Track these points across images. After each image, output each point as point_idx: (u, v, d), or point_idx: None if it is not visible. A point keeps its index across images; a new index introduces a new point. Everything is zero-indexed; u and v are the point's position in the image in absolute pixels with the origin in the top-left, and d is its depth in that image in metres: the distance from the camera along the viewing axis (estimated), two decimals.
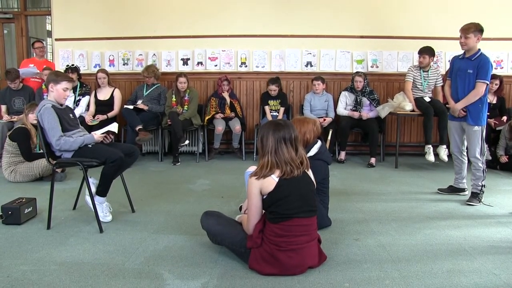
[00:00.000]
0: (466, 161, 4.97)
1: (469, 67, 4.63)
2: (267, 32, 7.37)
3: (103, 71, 6.91)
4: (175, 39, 7.42)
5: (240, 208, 3.87)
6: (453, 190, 5.05)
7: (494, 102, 6.73)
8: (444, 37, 7.22)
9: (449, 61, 7.00)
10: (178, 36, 7.40)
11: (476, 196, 4.70)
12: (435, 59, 6.83)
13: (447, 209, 4.51)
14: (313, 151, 3.80)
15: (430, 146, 6.23)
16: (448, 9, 7.27)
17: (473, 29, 4.56)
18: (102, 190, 3.93)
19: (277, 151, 2.83)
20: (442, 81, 6.64)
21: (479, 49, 4.64)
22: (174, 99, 6.86)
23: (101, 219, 3.81)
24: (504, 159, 6.37)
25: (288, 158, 2.83)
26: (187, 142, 6.69)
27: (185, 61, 7.48)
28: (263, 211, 2.93)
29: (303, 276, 2.88)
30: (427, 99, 6.54)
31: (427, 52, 6.48)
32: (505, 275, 2.96)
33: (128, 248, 3.36)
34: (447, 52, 7.32)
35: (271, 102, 7.09)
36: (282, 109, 7.08)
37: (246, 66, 7.50)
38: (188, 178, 5.66)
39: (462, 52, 4.78)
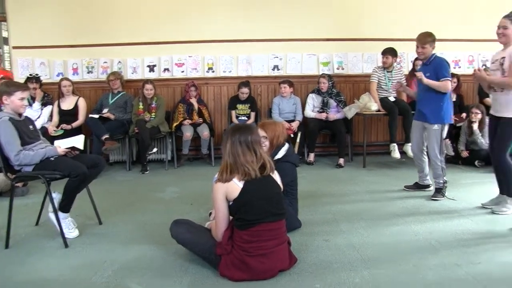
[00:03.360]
0: (427, 159, 5.11)
1: (427, 71, 4.80)
2: (233, 37, 7.36)
3: (67, 79, 6.77)
4: (140, 45, 7.33)
5: (210, 214, 3.87)
6: (419, 186, 5.18)
7: (454, 99, 6.88)
8: (406, 38, 7.31)
9: (411, 61, 7.17)
10: (144, 42, 7.32)
11: (440, 191, 4.84)
12: (398, 59, 6.95)
13: (413, 205, 4.61)
14: (281, 153, 3.84)
15: (394, 144, 6.35)
16: (410, 12, 7.41)
17: (429, 39, 4.79)
18: (65, 205, 3.77)
19: (234, 154, 2.85)
20: (405, 81, 6.78)
21: (433, 54, 4.85)
22: (141, 106, 6.79)
23: (66, 235, 3.65)
24: (465, 154, 6.56)
25: (243, 161, 2.84)
26: (155, 150, 6.64)
27: (151, 68, 7.42)
28: (231, 217, 2.94)
29: (274, 280, 2.90)
30: (392, 98, 6.67)
31: (390, 52, 6.62)
32: (467, 266, 3.07)
33: (95, 261, 3.29)
34: (410, 53, 7.46)
35: (240, 107, 7.10)
36: (253, 114, 7.10)
37: (213, 71, 7.49)
38: (157, 186, 5.61)
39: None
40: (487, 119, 6.26)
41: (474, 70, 4.26)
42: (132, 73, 7.40)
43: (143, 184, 5.87)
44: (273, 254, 2.89)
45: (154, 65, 7.42)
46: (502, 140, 4.21)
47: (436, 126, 4.79)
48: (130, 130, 6.70)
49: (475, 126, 6.43)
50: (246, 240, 2.84)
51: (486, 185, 5.16)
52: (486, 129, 6.24)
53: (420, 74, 4.74)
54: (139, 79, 7.27)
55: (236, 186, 2.83)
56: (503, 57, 4.11)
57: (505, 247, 3.42)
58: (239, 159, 2.84)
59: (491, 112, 4.39)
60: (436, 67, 4.74)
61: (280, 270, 2.96)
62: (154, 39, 7.31)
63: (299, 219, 3.98)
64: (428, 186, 5.15)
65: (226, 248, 2.88)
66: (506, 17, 4.12)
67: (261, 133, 3.73)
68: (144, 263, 3.25)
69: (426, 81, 4.74)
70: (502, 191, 4.44)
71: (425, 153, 5.09)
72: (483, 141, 6.34)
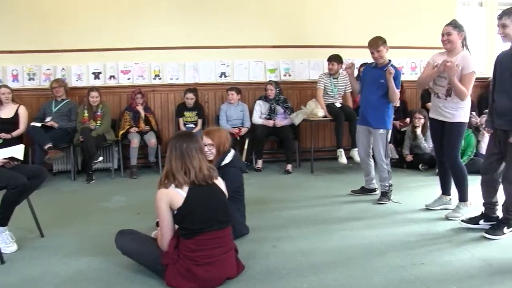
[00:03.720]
0: (373, 163, 5.22)
1: (382, 77, 4.86)
2: (180, 44, 7.29)
3: (6, 86, 6.49)
4: (85, 52, 7.12)
5: (157, 224, 3.80)
6: (365, 190, 5.28)
7: (398, 105, 7.07)
8: (351, 45, 7.51)
9: (357, 68, 7.30)
10: (89, 49, 7.11)
11: (385, 195, 4.95)
12: (343, 66, 7.08)
13: (360, 209, 4.70)
14: (228, 159, 3.83)
15: (341, 149, 6.44)
16: (354, 20, 7.59)
17: (381, 42, 4.87)
18: (2, 219, 3.57)
19: (176, 160, 2.83)
20: (351, 87, 6.90)
21: (389, 60, 4.95)
22: (86, 114, 6.61)
23: (2, 250, 3.43)
24: (409, 158, 6.75)
25: (185, 168, 2.82)
26: (100, 158, 6.46)
27: (97, 75, 7.24)
28: (176, 226, 2.90)
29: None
30: (338, 104, 6.78)
31: (335, 59, 6.74)
32: (411, 267, 3.15)
33: (35, 276, 3.14)
34: (355, 59, 7.59)
35: (187, 114, 7.04)
36: (200, 121, 7.05)
37: (160, 78, 7.39)
38: (103, 196, 5.47)
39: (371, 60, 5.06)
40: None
41: (446, 64, 4.16)
42: (77, 80, 7.19)
43: (89, 193, 5.71)
44: (219, 262, 2.86)
45: (100, 72, 7.24)
46: (451, 145, 4.29)
47: (381, 131, 4.91)
48: (74, 138, 6.50)
49: (419, 130, 6.63)
50: (192, 249, 2.80)
51: (430, 188, 5.34)
52: (429, 133, 6.47)
53: (391, 69, 4.78)
54: (84, 86, 7.06)
55: (179, 195, 2.80)
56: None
57: (446, 247, 3.53)
58: (181, 166, 2.82)
59: (433, 115, 4.46)
60: (393, 76, 4.81)
61: (228, 278, 2.94)
62: (99, 46, 7.12)
63: (247, 225, 3.96)
64: (374, 190, 5.25)
65: (172, 257, 2.84)
66: (448, 24, 4.24)
67: (207, 140, 3.71)
68: (89, 275, 3.15)
69: (392, 84, 4.80)
70: (444, 192, 4.59)
71: (372, 157, 5.20)
72: (426, 145, 6.55)
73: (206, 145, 3.67)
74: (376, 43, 4.86)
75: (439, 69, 4.17)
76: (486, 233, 3.75)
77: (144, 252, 3.00)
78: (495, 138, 3.88)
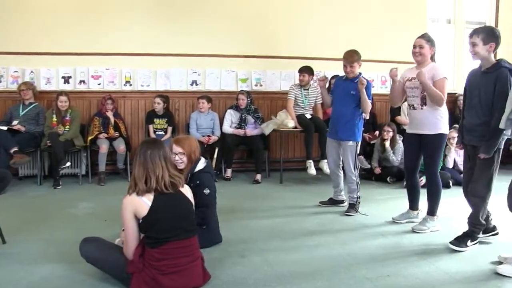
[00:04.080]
0: (342, 175, 5.26)
1: (353, 89, 4.94)
2: (151, 51, 7.25)
3: None
4: (55, 56, 6.98)
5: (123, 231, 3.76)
6: (333, 202, 5.32)
7: (367, 118, 7.15)
8: (322, 57, 7.61)
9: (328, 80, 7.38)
10: (59, 53, 6.98)
11: (353, 206, 5.00)
12: (314, 78, 7.15)
13: (328, 220, 4.72)
14: (201, 165, 3.83)
15: (311, 160, 6.48)
16: (325, 33, 7.69)
17: (356, 57, 4.94)
18: None
19: (142, 167, 2.81)
20: (321, 99, 6.97)
21: (360, 73, 5.02)
22: (54, 119, 6.50)
23: None
24: (378, 170, 6.84)
25: (151, 175, 2.80)
26: (68, 164, 6.34)
27: (66, 79, 7.12)
28: (142, 234, 2.87)
29: None
30: (308, 116, 6.83)
31: (306, 71, 6.81)
32: (376, 279, 3.19)
33: None
34: (326, 71, 7.68)
35: (157, 121, 6.99)
36: (170, 129, 7.01)
37: (130, 85, 7.32)
38: (70, 202, 5.37)
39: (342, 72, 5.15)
40: (398, 137, 6.61)
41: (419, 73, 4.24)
42: (46, 84, 7.04)
43: (55, 199, 5.60)
44: (185, 271, 2.84)
45: (70, 77, 7.12)
46: (432, 157, 4.33)
47: (351, 143, 4.97)
48: (42, 143, 6.39)
49: (387, 143, 6.72)
50: (157, 258, 2.77)
51: (397, 201, 5.41)
52: (397, 146, 6.60)
53: (363, 80, 4.84)
54: (53, 90, 6.93)
55: (144, 203, 2.77)
56: None
57: (412, 260, 3.58)
58: (143, 173, 2.80)
59: (410, 130, 4.48)
60: (365, 88, 4.88)
61: (194, 287, 2.91)
62: (70, 50, 7.00)
63: (220, 233, 3.97)
64: (342, 201, 5.30)
65: (138, 266, 2.80)
66: (421, 37, 4.32)
67: (178, 149, 3.69)
68: (52, 283, 3.07)
69: (364, 95, 4.86)
70: (412, 207, 4.65)
71: (341, 168, 5.24)
72: (395, 158, 6.65)
73: (176, 154, 3.66)
74: (352, 58, 4.93)
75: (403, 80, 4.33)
76: (451, 243, 3.82)
77: (108, 260, 2.95)
78: (466, 153, 3.98)
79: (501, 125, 3.37)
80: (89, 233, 3.37)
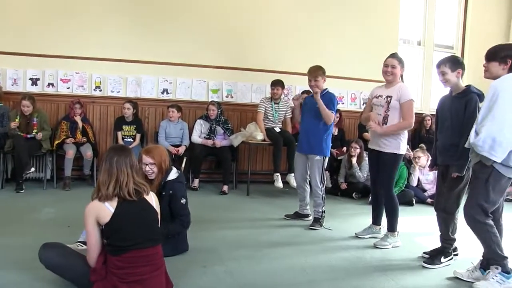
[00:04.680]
0: (309, 189, 5.31)
1: (317, 104, 4.98)
2: (123, 57, 7.20)
3: None
4: (23, 56, 6.86)
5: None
6: (298, 215, 5.35)
7: (336, 133, 7.26)
8: (294, 72, 7.68)
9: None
10: (27, 54, 6.86)
11: (317, 221, 5.03)
12: (285, 91, 7.22)
13: (292, 233, 4.75)
14: (174, 175, 3.81)
15: (278, 174, 6.51)
16: (298, 48, 7.79)
17: (320, 72, 5.02)
18: None
19: (108, 173, 2.78)
20: (291, 113, 7.05)
21: (326, 88, 5.08)
22: (17, 120, 6.27)
23: None
24: (343, 186, 6.93)
25: (116, 182, 2.77)
26: (32, 170, 6.22)
27: (34, 81, 7.00)
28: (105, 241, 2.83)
29: None
30: (277, 129, 6.89)
31: (280, 84, 6.89)
32: None
33: None
34: (297, 86, 7.79)
35: (125, 128, 6.93)
36: (138, 136, 6.96)
37: (100, 90, 7.25)
38: (33, 207, 5.25)
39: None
40: (365, 154, 6.71)
41: (370, 123, 4.42)
42: (12, 84, 6.90)
43: (17, 204, 5.47)
44: (148, 281, 2.79)
45: (38, 79, 7.00)
46: (386, 175, 4.42)
47: (318, 157, 5.01)
48: (6, 145, 6.24)
49: (354, 160, 6.82)
50: (118, 266, 2.73)
51: (362, 216, 5.46)
52: (364, 163, 6.70)
53: (316, 89, 4.94)
54: (20, 91, 6.78)
55: (107, 210, 2.72)
56: (389, 96, 4.36)
57: (373, 275, 3.62)
58: (107, 179, 2.76)
59: (371, 146, 4.58)
60: (327, 101, 4.95)
61: None
62: (38, 51, 6.89)
63: (187, 241, 3.96)
64: (307, 215, 5.33)
65: (101, 273, 2.75)
66: (393, 57, 4.43)
67: (148, 159, 3.66)
68: None
69: (320, 102, 4.90)
70: (375, 222, 4.73)
71: (308, 182, 5.28)
72: (361, 174, 6.75)
73: (147, 165, 3.64)
74: (316, 72, 5.01)
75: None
76: (425, 263, 3.91)
77: (69, 266, 2.89)
78: (439, 174, 4.09)
79: (466, 145, 3.50)
80: (50, 239, 3.27)
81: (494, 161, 3.22)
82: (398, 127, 4.33)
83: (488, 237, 3.34)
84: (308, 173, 5.21)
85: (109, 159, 2.81)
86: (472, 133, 3.30)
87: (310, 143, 5.05)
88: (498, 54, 3.34)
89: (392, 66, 4.38)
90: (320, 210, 5.03)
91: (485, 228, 3.33)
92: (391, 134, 4.34)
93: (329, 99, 5.00)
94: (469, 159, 3.68)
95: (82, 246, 3.65)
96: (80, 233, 3.95)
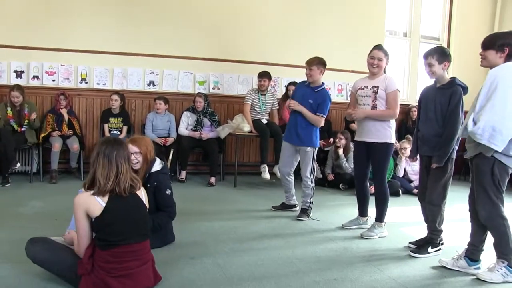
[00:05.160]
0: (293, 180, 5.36)
1: (311, 98, 5.00)
2: (109, 49, 7.15)
3: None
4: (7, 48, 6.78)
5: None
6: (285, 206, 5.38)
7: (322, 125, 7.26)
8: (281, 63, 7.71)
9: (285, 86, 7.47)
10: (11, 46, 6.77)
11: (305, 211, 5.06)
12: (272, 83, 7.22)
13: (279, 225, 4.77)
14: (158, 166, 3.81)
15: (265, 165, 6.54)
16: (285, 39, 7.81)
17: (316, 62, 4.99)
18: None
19: (99, 166, 2.74)
20: (278, 104, 7.08)
21: (323, 83, 5.07)
22: (9, 111, 6.27)
23: None
24: (330, 177, 6.98)
25: (108, 175, 2.73)
26: (18, 165, 6.17)
27: (19, 74, 6.91)
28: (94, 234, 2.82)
29: None
30: (264, 121, 6.90)
31: (267, 76, 6.89)
32: (324, 282, 3.25)
33: None
34: (284, 77, 7.81)
35: (112, 120, 6.90)
36: (125, 128, 6.93)
37: (86, 82, 7.20)
38: (19, 201, 5.21)
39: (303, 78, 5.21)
40: (352, 145, 6.74)
41: (352, 112, 4.45)
42: None
43: (3, 197, 5.41)
44: (135, 275, 2.79)
45: (22, 71, 6.93)
46: (379, 165, 4.44)
47: (309, 149, 5.03)
48: None
49: (340, 151, 6.86)
50: (107, 260, 2.72)
51: (348, 207, 5.51)
52: (350, 154, 6.72)
53: (293, 102, 4.98)
54: (4, 84, 6.73)
55: (97, 204, 2.70)
56: (376, 86, 4.38)
57: (359, 265, 3.65)
58: (107, 174, 2.73)
59: (358, 138, 4.58)
60: (321, 100, 4.96)
61: None
62: (23, 44, 6.81)
63: (173, 232, 3.98)
64: (294, 206, 5.37)
65: (87, 267, 2.74)
66: (379, 49, 4.45)
67: (134, 148, 3.65)
68: None
69: (299, 108, 4.96)
70: (361, 214, 4.76)
71: (292, 174, 5.31)
72: (347, 165, 6.78)
73: (132, 154, 3.61)
74: (312, 62, 4.99)
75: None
76: (412, 253, 3.96)
77: (56, 260, 2.87)
78: (422, 164, 4.12)
79: (459, 134, 3.57)
80: (37, 233, 3.28)
81: (495, 151, 3.24)
82: (382, 113, 4.35)
83: (503, 230, 3.35)
84: (294, 164, 5.22)
85: (108, 153, 2.75)
86: (470, 122, 3.30)
87: (300, 135, 5.06)
88: (495, 42, 3.32)
89: (378, 59, 4.39)
90: (308, 201, 5.06)
91: (501, 222, 3.34)
92: (375, 120, 4.37)
93: (323, 99, 4.98)
94: (450, 150, 3.76)
95: None
96: (67, 226, 3.95)
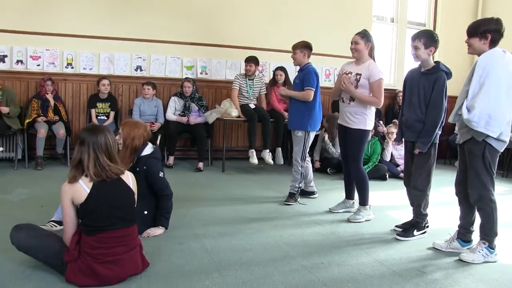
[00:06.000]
0: (310, 165, 5.40)
1: (297, 78, 5.05)
2: (95, 33, 7.08)
3: None
4: None
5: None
6: (303, 193, 5.36)
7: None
8: (268, 48, 7.69)
9: (273, 71, 7.46)
10: None
11: (293, 196, 5.08)
12: (260, 68, 7.20)
13: (267, 209, 4.80)
14: (149, 150, 3.79)
15: (253, 150, 6.53)
16: (273, 24, 7.78)
17: (300, 46, 5.01)
18: None
19: (83, 153, 2.74)
20: (265, 89, 7.06)
21: (309, 63, 5.06)
22: None
23: None
24: (317, 164, 6.99)
25: (92, 162, 2.73)
26: (1, 149, 6.13)
27: (2, 58, 6.80)
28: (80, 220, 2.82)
29: (125, 284, 2.82)
30: (252, 106, 6.89)
31: (253, 61, 6.85)
32: (311, 266, 3.28)
33: None
34: (272, 62, 7.79)
35: (99, 105, 6.85)
36: (112, 113, 6.90)
37: (72, 67, 7.12)
38: (4, 187, 5.17)
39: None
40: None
41: (344, 82, 4.41)
42: None
43: None
44: (122, 260, 2.80)
45: (5, 56, 6.81)
46: (353, 151, 4.49)
47: (300, 133, 5.00)
48: None
49: (326, 136, 6.88)
50: (93, 246, 2.72)
51: (336, 191, 5.55)
52: (337, 139, 6.73)
53: (281, 88, 5.04)
54: None
55: (82, 190, 2.70)
56: (359, 74, 4.38)
57: (346, 249, 3.69)
58: (88, 159, 2.73)
59: (339, 121, 4.65)
60: (304, 75, 4.95)
61: (131, 275, 2.90)
62: (6, 27, 6.71)
63: None
64: (313, 192, 5.42)
65: (73, 253, 2.73)
66: (358, 33, 4.44)
67: (120, 130, 3.69)
68: None
69: (286, 92, 4.98)
70: (348, 197, 4.80)
71: (308, 159, 5.33)
72: (334, 150, 6.81)
73: (117, 134, 3.63)
74: (296, 46, 5.03)
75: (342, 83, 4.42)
76: (398, 235, 4.02)
77: (42, 247, 2.85)
78: (406, 151, 4.16)
79: (450, 119, 3.59)
80: (23, 220, 3.24)
81: (487, 136, 3.30)
82: (369, 99, 4.37)
83: (491, 212, 3.43)
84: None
85: (93, 139, 2.75)
86: (464, 109, 3.34)
87: (291, 118, 5.11)
88: (478, 30, 3.36)
89: (355, 43, 4.41)
90: (297, 185, 5.08)
91: (490, 205, 3.42)
92: (352, 106, 4.42)
93: (306, 74, 4.96)
94: (433, 136, 3.82)
95: (56, 226, 3.64)
96: (54, 212, 3.94)
